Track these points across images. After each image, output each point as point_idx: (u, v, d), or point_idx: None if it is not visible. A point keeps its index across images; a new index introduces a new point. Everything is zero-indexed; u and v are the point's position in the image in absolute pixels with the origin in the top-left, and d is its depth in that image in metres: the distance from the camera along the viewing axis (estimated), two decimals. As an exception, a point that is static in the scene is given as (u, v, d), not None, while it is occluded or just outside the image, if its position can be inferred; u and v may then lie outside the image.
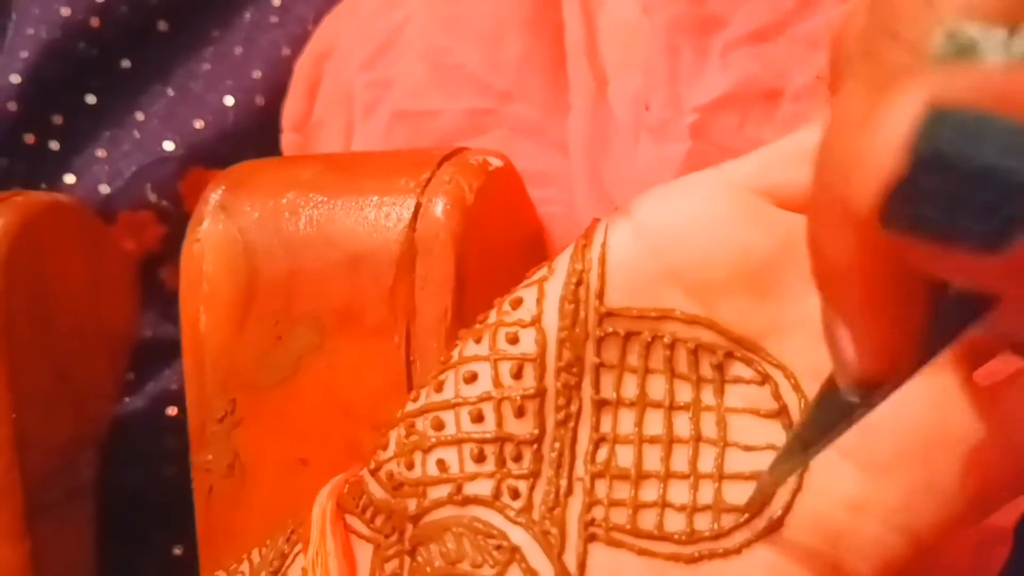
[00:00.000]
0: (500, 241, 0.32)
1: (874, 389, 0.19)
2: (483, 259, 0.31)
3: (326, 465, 0.29)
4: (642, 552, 0.24)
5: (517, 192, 0.35)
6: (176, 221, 0.49)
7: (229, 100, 0.49)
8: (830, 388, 0.21)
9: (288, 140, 0.47)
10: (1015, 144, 0.14)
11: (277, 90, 0.49)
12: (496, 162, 0.33)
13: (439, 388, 0.26)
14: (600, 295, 0.26)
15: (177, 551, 0.47)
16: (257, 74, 0.50)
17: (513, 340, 0.26)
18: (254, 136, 0.49)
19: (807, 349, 0.25)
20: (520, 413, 0.25)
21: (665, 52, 0.39)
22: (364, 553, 0.26)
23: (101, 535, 0.42)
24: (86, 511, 0.40)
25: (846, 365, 0.19)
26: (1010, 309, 0.18)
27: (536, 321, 0.26)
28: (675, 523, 0.25)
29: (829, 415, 0.22)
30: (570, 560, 0.24)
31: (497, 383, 0.26)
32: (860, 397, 0.20)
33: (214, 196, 0.33)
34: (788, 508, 0.24)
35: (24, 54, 0.48)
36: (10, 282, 0.35)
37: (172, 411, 0.47)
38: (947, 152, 0.15)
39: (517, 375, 0.26)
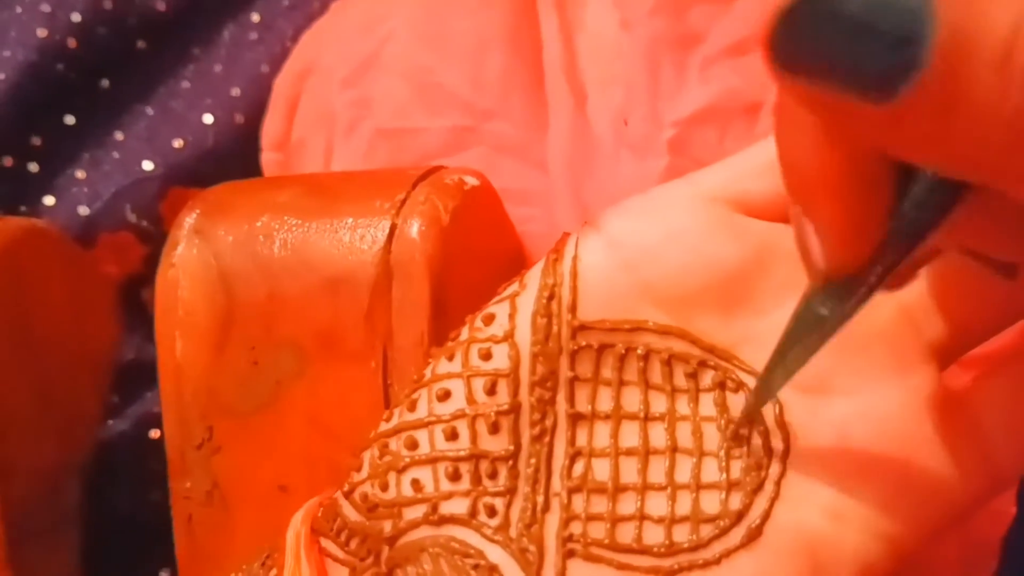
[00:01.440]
0: (479, 261, 0.32)
1: (841, 293, 0.20)
2: (461, 280, 0.31)
3: (307, 491, 0.29)
4: (621, 567, 0.24)
5: (495, 211, 0.35)
6: (157, 241, 0.49)
7: (208, 118, 0.49)
8: (804, 306, 0.22)
9: (268, 159, 0.47)
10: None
11: (257, 108, 0.49)
12: (472, 181, 0.33)
13: (412, 407, 0.26)
14: (572, 308, 0.25)
15: (164, 575, 0.47)
16: (236, 92, 0.50)
17: (486, 356, 0.26)
18: (234, 155, 0.49)
19: None
20: (495, 429, 0.25)
21: (644, 67, 0.39)
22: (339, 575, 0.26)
23: (87, 560, 0.42)
24: (72, 538, 0.40)
25: (813, 260, 0.20)
26: (966, 215, 0.19)
27: (509, 336, 0.26)
28: (654, 535, 0.25)
29: (804, 333, 0.22)
30: None
31: (471, 400, 0.25)
32: (829, 307, 0.21)
33: (188, 220, 0.33)
34: (766, 517, 0.24)
35: (1, 76, 0.48)
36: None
37: (155, 434, 0.46)
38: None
39: (491, 391, 0.25)
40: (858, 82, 0.16)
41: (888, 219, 0.19)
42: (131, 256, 0.48)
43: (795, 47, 0.16)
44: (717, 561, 0.24)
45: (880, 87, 0.15)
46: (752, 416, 0.25)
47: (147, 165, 0.48)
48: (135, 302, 0.49)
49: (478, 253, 0.33)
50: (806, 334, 0.22)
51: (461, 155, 0.39)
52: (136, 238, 0.48)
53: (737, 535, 0.24)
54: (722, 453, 0.25)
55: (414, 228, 0.31)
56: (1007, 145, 0.16)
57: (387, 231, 0.31)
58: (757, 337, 0.25)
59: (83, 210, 0.48)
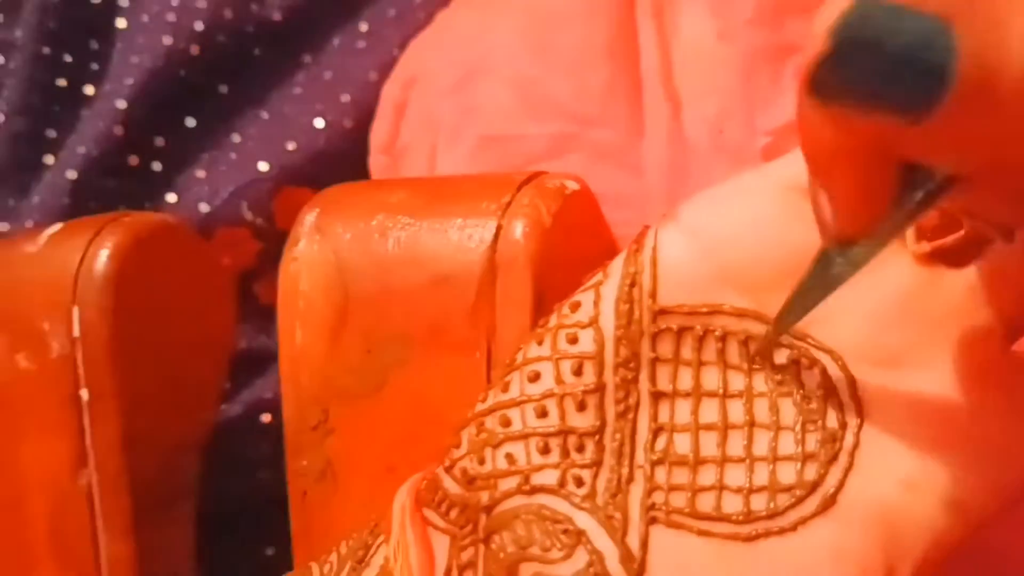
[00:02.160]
0: (577, 260, 0.33)
1: (851, 248, 0.22)
2: (561, 277, 0.33)
3: (412, 471, 0.31)
4: (701, 533, 0.26)
5: (593, 214, 0.37)
6: (270, 238, 0.52)
7: (320, 122, 0.52)
8: (819, 259, 0.24)
9: (376, 161, 0.50)
10: (917, 30, 0.18)
11: (365, 113, 0.52)
12: (573, 185, 0.35)
13: (505, 388, 0.28)
14: (653, 294, 0.27)
15: (269, 552, 0.49)
16: (346, 98, 0.53)
17: (573, 340, 0.27)
18: (343, 157, 0.52)
19: (851, 333, 0.27)
20: (581, 407, 0.27)
21: (741, 77, 0.40)
22: (441, 544, 0.28)
23: (199, 535, 0.45)
24: (188, 512, 0.42)
25: (826, 225, 0.22)
26: (971, 185, 0.21)
27: (593, 322, 0.27)
28: (732, 504, 0.26)
29: (818, 281, 0.24)
30: (633, 541, 0.26)
31: (559, 380, 0.27)
32: (840, 263, 0.23)
33: (309, 218, 0.35)
34: (840, 486, 0.26)
35: (129, 80, 0.51)
36: (120, 296, 0.38)
37: (266, 418, 0.49)
38: (864, 35, 0.18)
39: (577, 372, 0.27)
40: (893, 107, 0.18)
41: (893, 194, 0.21)
42: (245, 251, 0.51)
43: (836, 81, 0.19)
44: (793, 528, 0.26)
45: (911, 111, 0.18)
46: (768, 348, 0.27)
47: (262, 166, 0.51)
48: (248, 295, 0.52)
49: (576, 253, 0.34)
50: (820, 283, 0.24)
51: (561, 160, 0.41)
52: (251, 234, 0.51)
53: (812, 504, 0.26)
54: (798, 427, 0.26)
55: (518, 229, 0.33)
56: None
57: (493, 231, 0.33)
58: (828, 315, 0.27)
59: (203, 207, 0.51)
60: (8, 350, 0.39)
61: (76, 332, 0.38)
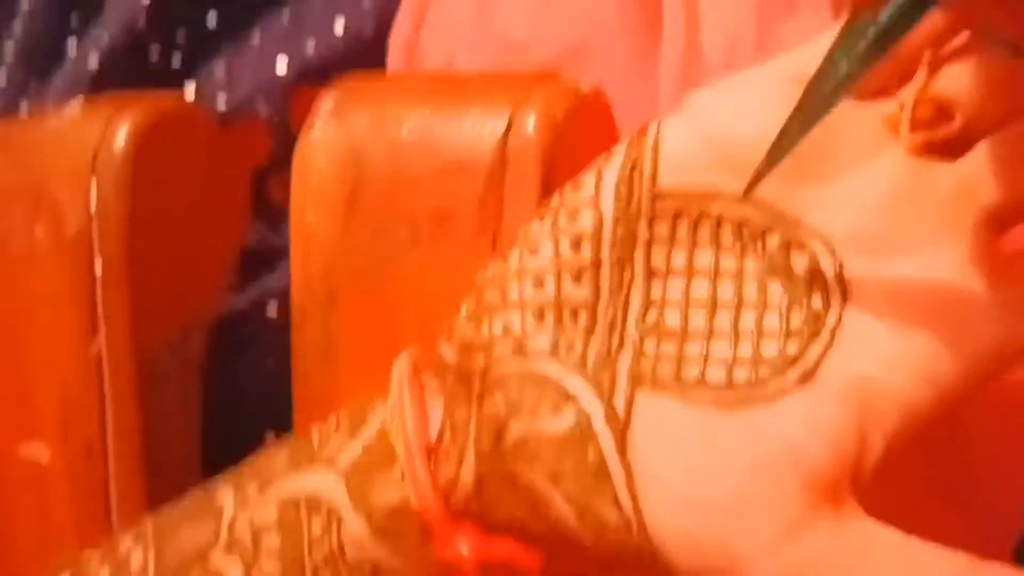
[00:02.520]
0: (585, 160, 0.34)
1: (861, 44, 0.22)
2: (568, 175, 0.34)
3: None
4: (684, 399, 0.27)
5: (605, 119, 0.38)
6: (284, 136, 0.52)
7: (340, 25, 0.52)
8: (826, 62, 0.24)
9: (394, 66, 0.50)
10: None
11: (386, 18, 0.52)
12: (587, 88, 0.36)
13: (506, 261, 0.29)
14: (653, 178, 0.28)
15: (270, 435, 0.51)
16: (367, 4, 0.53)
17: (573, 217, 0.29)
18: (362, 61, 0.52)
19: (841, 220, 0.28)
20: (577, 280, 0.28)
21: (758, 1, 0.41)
22: (436, 406, 0.29)
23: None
24: (193, 390, 0.44)
25: None
26: None
27: (594, 201, 0.29)
28: (716, 375, 0.27)
29: (823, 88, 0.24)
30: (619, 403, 0.27)
31: (557, 254, 0.29)
32: (849, 58, 0.23)
33: (327, 103, 0.36)
34: (819, 362, 0.27)
35: (150, -26, 0.52)
36: (139, 172, 0.39)
37: (272, 310, 0.50)
38: None
39: (575, 248, 0.28)
40: None
41: None
42: (260, 148, 0.52)
43: None
44: (772, 399, 0.27)
45: None
46: (772, 165, 0.26)
47: (281, 65, 0.52)
48: (260, 193, 0.53)
49: (585, 153, 0.35)
50: (825, 88, 0.24)
51: (577, 67, 0.41)
52: (266, 132, 0.52)
53: (792, 377, 0.27)
54: (784, 306, 0.28)
55: (531, 123, 0.34)
56: None
57: (506, 124, 0.34)
58: (822, 203, 0.28)
59: (220, 103, 0.51)
60: (26, 221, 0.40)
61: (93, 206, 0.39)
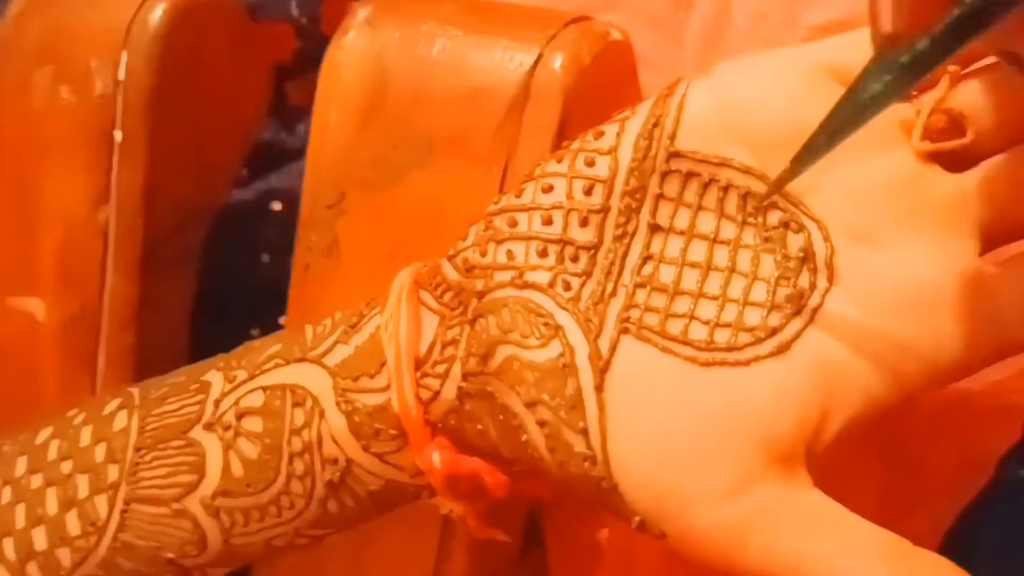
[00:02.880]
0: (604, 106, 0.35)
1: (895, 68, 0.22)
2: (586, 117, 0.35)
3: (414, 262, 0.33)
4: (665, 350, 0.28)
5: (629, 68, 0.39)
6: (311, 39, 0.53)
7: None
8: (859, 81, 0.23)
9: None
10: None
11: None
12: (617, 35, 0.37)
13: (519, 194, 0.30)
14: (672, 137, 0.29)
15: (254, 332, 0.52)
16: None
17: (590, 163, 0.30)
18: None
19: (840, 207, 0.29)
20: (584, 223, 0.29)
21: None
22: (431, 322, 0.31)
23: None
24: (190, 275, 0.45)
25: (880, 23, 0.22)
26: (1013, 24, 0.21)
27: (613, 150, 0.30)
28: (698, 333, 0.29)
29: (853, 105, 0.24)
30: (603, 344, 0.29)
31: (569, 196, 0.30)
32: (884, 81, 0.23)
33: (363, 12, 0.37)
34: (796, 337, 0.28)
35: None
36: (169, 50, 0.40)
37: (277, 206, 0.51)
38: None
39: (588, 192, 0.30)
40: None
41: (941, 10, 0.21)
42: (285, 47, 0.52)
43: None
44: (747, 363, 0.28)
45: None
46: (795, 175, 0.26)
47: (317, -33, 0.52)
48: (279, 91, 0.54)
49: (606, 98, 0.36)
50: (854, 107, 0.24)
51: (607, 15, 0.42)
52: (293, 32, 0.52)
53: (768, 346, 0.28)
54: (773, 280, 0.29)
55: (558, 61, 0.35)
56: None
57: (535, 58, 0.35)
58: (824, 187, 0.29)
59: (252, -2, 0.52)
60: (53, 81, 0.41)
61: (121, 75, 0.40)
